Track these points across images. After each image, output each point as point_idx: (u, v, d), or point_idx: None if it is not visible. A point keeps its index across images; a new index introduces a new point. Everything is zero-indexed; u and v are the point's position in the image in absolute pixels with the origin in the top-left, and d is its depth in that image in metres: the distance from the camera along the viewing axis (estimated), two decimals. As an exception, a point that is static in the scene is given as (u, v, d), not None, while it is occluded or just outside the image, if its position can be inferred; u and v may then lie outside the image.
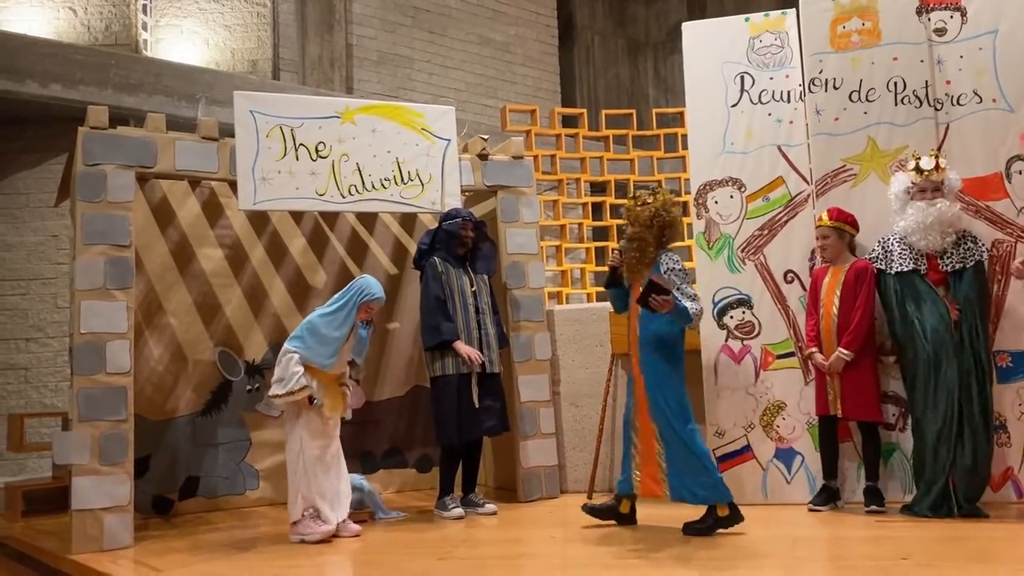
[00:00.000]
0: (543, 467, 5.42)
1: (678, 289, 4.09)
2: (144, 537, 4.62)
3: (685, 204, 5.73)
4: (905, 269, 4.48)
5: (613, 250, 4.43)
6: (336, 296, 4.63)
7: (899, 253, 4.51)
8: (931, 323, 4.38)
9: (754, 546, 4.01)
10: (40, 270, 7.42)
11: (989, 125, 4.63)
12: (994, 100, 4.63)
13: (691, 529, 4.17)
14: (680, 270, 4.18)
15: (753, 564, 3.63)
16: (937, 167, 4.43)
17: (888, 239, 4.58)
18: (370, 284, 4.61)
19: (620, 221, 8.20)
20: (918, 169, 4.46)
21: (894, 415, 4.65)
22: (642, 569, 3.65)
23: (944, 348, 4.33)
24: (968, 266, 4.38)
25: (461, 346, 4.84)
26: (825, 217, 4.69)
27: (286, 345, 4.49)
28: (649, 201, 4.27)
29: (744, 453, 4.88)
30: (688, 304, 4.07)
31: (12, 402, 7.25)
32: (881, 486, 4.55)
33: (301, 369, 4.38)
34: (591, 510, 4.43)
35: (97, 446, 4.37)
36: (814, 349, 4.64)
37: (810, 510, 4.57)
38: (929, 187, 4.43)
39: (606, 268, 4.55)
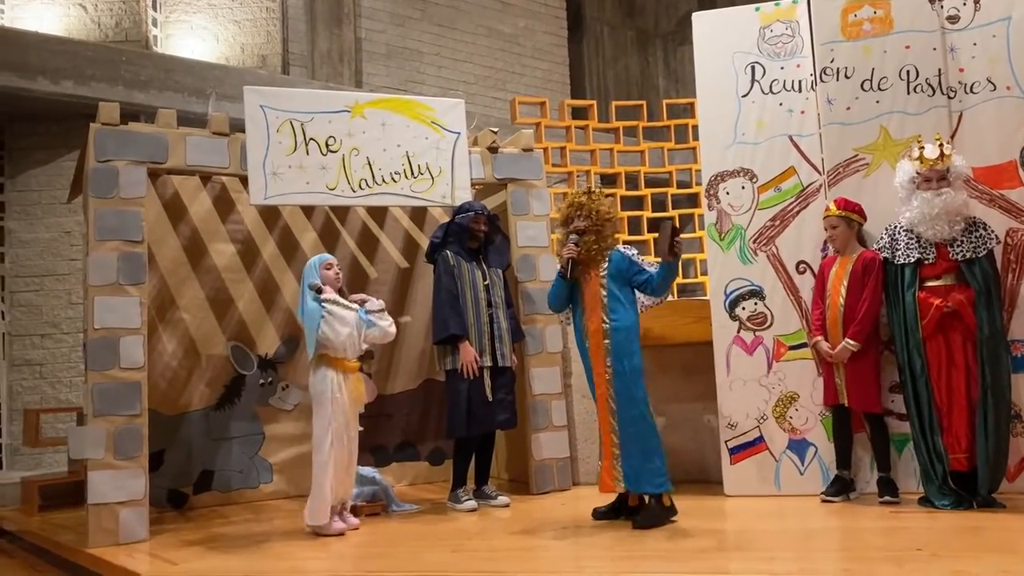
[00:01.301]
0: (555, 459, 5.43)
1: (645, 267, 4.41)
2: (159, 531, 4.66)
3: (696, 195, 5.71)
4: (910, 261, 4.45)
5: (570, 241, 4.40)
6: (301, 292, 4.62)
7: (905, 243, 4.48)
8: (911, 315, 4.38)
9: (767, 538, 4.01)
10: (54, 266, 7.46)
11: (1003, 113, 4.58)
12: (1008, 88, 4.59)
13: (645, 523, 4.18)
14: (636, 253, 4.45)
15: (766, 556, 3.63)
16: (942, 155, 4.38)
17: (895, 228, 4.54)
18: (312, 260, 4.67)
19: (633, 213, 8.20)
20: (922, 158, 4.42)
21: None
22: (653, 561, 3.66)
23: (919, 345, 4.35)
24: (980, 255, 4.35)
25: (464, 349, 4.85)
26: (833, 207, 4.67)
27: (309, 351, 4.48)
28: (600, 201, 4.45)
29: (757, 444, 4.88)
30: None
31: (28, 398, 7.31)
32: (895, 477, 4.54)
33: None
34: (600, 515, 4.44)
35: (112, 441, 4.40)
36: (819, 338, 4.63)
37: (823, 501, 4.56)
38: (934, 176, 4.38)
39: (560, 259, 4.51)
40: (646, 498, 4.30)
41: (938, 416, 4.33)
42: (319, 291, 4.51)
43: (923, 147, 4.43)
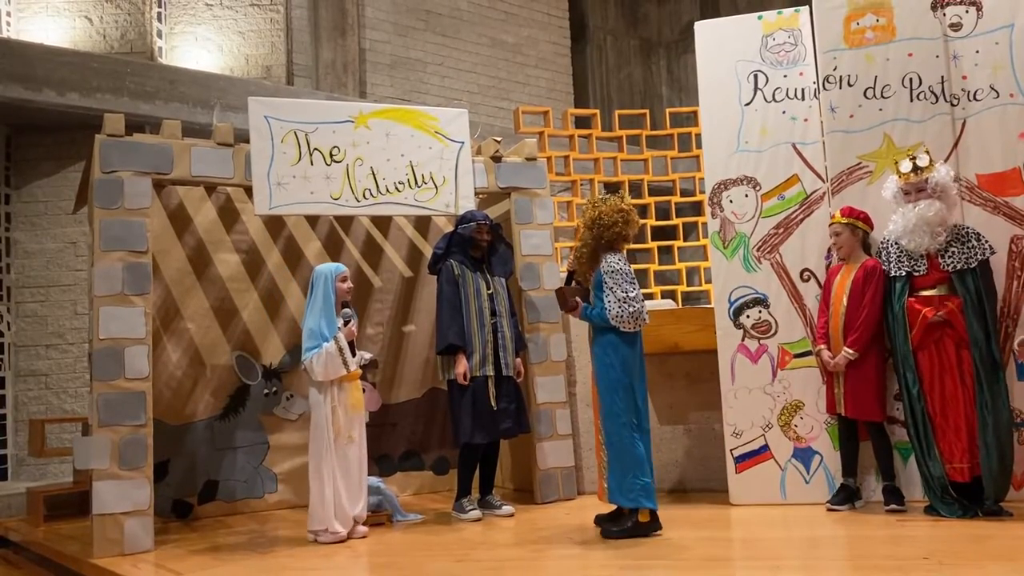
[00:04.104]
0: (560, 468, 5.41)
1: (610, 290, 4.19)
2: (164, 541, 4.66)
3: (700, 203, 5.71)
4: (901, 274, 4.46)
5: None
6: (309, 295, 4.70)
7: (896, 256, 4.49)
8: (901, 327, 4.39)
9: (773, 546, 4.00)
10: (59, 277, 7.48)
11: (1006, 120, 4.58)
12: (1011, 95, 4.59)
13: (609, 532, 4.17)
14: (616, 271, 4.23)
15: (772, 564, 3.62)
16: (916, 168, 4.39)
17: (888, 241, 4.56)
18: (328, 266, 4.75)
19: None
20: (898, 172, 4.44)
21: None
22: (659, 570, 3.65)
23: (908, 357, 4.37)
24: (972, 266, 4.34)
25: (457, 361, 4.85)
26: (838, 214, 4.68)
27: (304, 358, 4.52)
28: (597, 205, 4.38)
29: (762, 453, 4.86)
30: (612, 307, 4.17)
31: (33, 408, 7.31)
32: (901, 485, 4.52)
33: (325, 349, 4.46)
34: (601, 521, 4.41)
35: (117, 451, 4.41)
36: (822, 346, 4.64)
37: (829, 510, 4.55)
38: (912, 189, 4.41)
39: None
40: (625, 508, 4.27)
41: (933, 427, 4.32)
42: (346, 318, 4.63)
43: (898, 162, 4.46)
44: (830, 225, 4.72)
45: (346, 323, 4.63)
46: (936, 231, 4.35)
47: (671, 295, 7.69)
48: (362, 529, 4.58)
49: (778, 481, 4.83)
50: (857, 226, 4.64)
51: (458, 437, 4.89)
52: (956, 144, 4.65)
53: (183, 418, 5.40)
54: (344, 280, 4.69)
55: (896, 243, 4.50)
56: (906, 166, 4.43)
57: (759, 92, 5.07)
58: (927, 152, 4.47)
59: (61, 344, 7.44)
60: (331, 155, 5.02)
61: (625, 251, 4.44)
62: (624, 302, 4.17)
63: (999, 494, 4.22)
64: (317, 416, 4.53)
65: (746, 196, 5.03)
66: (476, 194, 5.45)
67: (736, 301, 4.98)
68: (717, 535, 4.30)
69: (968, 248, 4.35)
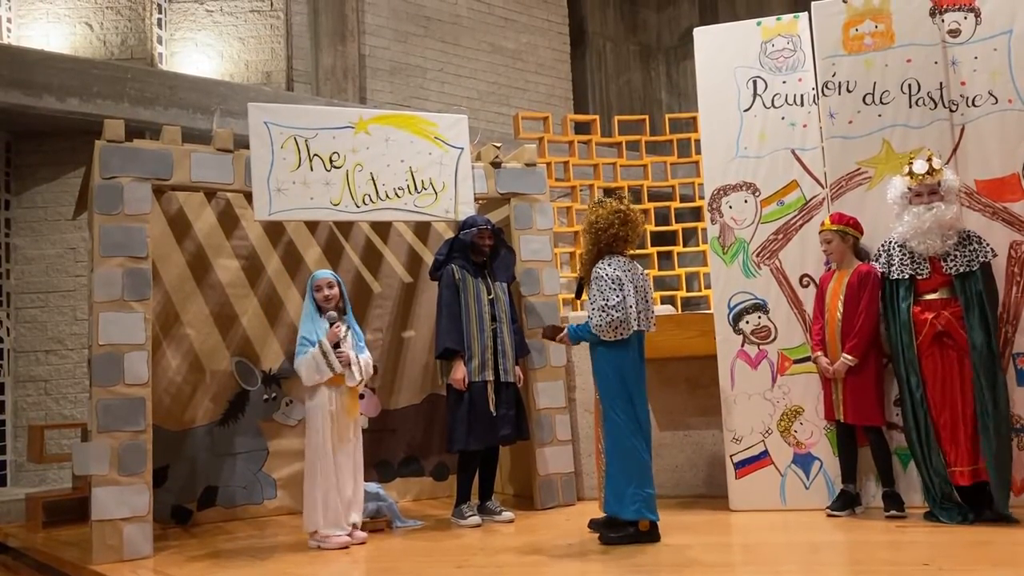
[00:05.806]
0: (560, 474, 5.41)
1: (592, 298, 4.13)
2: (163, 547, 4.65)
3: (699, 209, 5.71)
4: (904, 277, 4.46)
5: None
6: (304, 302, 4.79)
7: (899, 259, 4.49)
8: (906, 332, 4.39)
9: (773, 552, 4.00)
10: (58, 283, 7.48)
11: (1005, 126, 4.59)
12: (1010, 101, 4.59)
13: (609, 539, 4.15)
14: (600, 278, 4.14)
15: (772, 570, 3.62)
16: (931, 170, 4.39)
17: (890, 244, 4.56)
18: (314, 273, 4.80)
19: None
20: (911, 173, 4.44)
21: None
22: (660, 576, 3.64)
23: (913, 361, 4.36)
24: (974, 269, 4.34)
25: (455, 367, 4.86)
26: (827, 222, 4.69)
27: (295, 365, 4.59)
28: (594, 209, 4.32)
29: (762, 459, 4.86)
30: (592, 316, 4.10)
31: (32, 414, 7.31)
32: (901, 491, 4.51)
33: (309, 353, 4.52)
34: (595, 526, 4.40)
35: (116, 456, 4.40)
36: (819, 353, 4.64)
37: (828, 515, 4.54)
38: (925, 190, 4.40)
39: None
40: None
41: (936, 432, 4.32)
42: (331, 320, 4.64)
43: (911, 163, 4.46)
44: (820, 232, 4.72)
45: (331, 325, 4.62)
46: (947, 234, 4.36)
47: (671, 300, 7.70)
48: (361, 535, 4.58)
49: (778, 487, 4.82)
50: (847, 232, 4.64)
51: (451, 444, 4.88)
52: (955, 150, 4.65)
53: (183, 424, 5.40)
54: (319, 289, 4.68)
55: (900, 246, 4.49)
56: (921, 167, 4.41)
57: (758, 98, 5.08)
58: (937, 156, 4.47)
59: (61, 350, 7.44)
60: (331, 161, 5.03)
61: (628, 253, 4.33)
62: (603, 310, 4.06)
63: (1001, 500, 4.20)
64: (312, 420, 4.56)
65: (745, 202, 5.03)
66: (476, 200, 5.45)
67: (736, 307, 4.98)
68: (717, 541, 4.29)
69: (970, 251, 4.36)
